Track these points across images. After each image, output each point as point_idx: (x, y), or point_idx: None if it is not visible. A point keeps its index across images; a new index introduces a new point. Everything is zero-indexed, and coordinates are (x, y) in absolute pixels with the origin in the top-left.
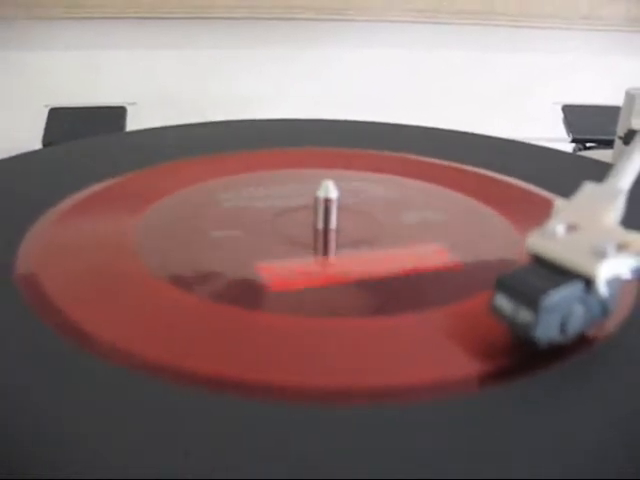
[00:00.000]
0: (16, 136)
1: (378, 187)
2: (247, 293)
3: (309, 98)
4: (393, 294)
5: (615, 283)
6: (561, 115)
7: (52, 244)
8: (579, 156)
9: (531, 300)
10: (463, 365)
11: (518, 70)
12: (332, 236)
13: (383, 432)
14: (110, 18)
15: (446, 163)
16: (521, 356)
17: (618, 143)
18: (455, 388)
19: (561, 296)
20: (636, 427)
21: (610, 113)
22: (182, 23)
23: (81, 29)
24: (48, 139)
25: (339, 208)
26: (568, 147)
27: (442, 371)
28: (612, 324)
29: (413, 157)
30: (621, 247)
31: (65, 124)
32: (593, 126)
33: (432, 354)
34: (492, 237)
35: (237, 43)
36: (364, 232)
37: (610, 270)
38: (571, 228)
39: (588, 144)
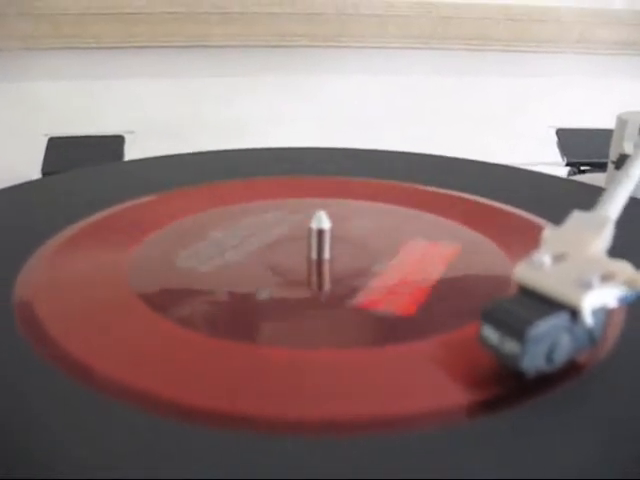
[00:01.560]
0: (15, 166)
1: (374, 216)
2: (244, 325)
3: (304, 125)
4: (382, 324)
5: (602, 312)
6: (555, 138)
7: (50, 275)
8: (570, 180)
9: (516, 331)
10: (453, 395)
11: (513, 94)
12: (326, 267)
13: (370, 463)
14: (107, 48)
15: (442, 191)
16: (512, 385)
17: (611, 168)
18: (445, 418)
19: (547, 326)
20: (629, 451)
21: (604, 136)
22: (178, 52)
23: (78, 60)
24: (47, 168)
25: (334, 238)
26: (563, 171)
27: (430, 401)
28: (601, 350)
29: (407, 185)
30: (606, 277)
31: (64, 153)
32: (587, 149)
33: (421, 384)
34: (485, 265)
35: (233, 71)
36: (359, 262)
37: (595, 301)
38: (558, 258)
39: (583, 167)
